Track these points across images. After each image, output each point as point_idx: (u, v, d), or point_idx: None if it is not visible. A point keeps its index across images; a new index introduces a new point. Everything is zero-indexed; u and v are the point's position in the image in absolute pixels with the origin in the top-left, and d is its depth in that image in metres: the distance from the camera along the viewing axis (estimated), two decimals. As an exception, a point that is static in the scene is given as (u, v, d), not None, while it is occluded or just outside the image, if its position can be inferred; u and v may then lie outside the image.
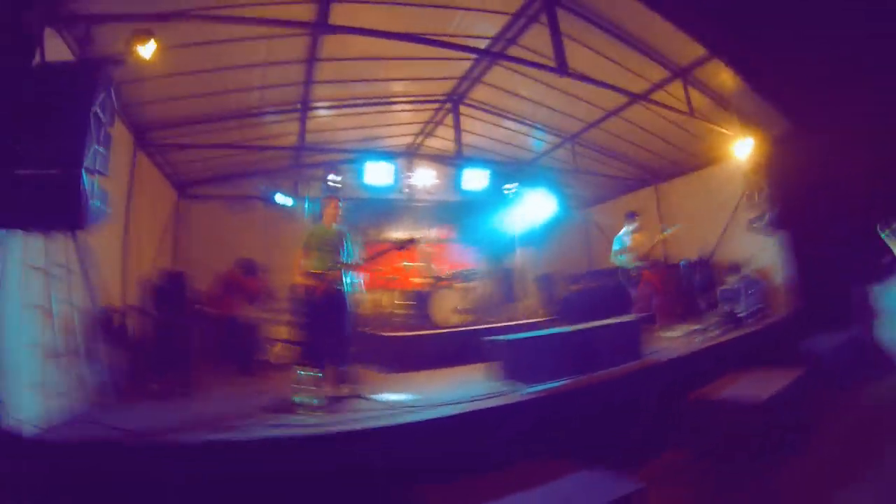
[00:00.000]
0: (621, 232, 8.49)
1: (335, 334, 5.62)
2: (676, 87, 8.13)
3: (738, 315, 8.11)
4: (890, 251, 7.83)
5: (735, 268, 9.49)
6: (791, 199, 8.75)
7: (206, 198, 9.88)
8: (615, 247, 8.39)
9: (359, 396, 5.24)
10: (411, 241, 9.09)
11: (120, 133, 5.91)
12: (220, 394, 5.98)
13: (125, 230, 6.71)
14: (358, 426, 4.00)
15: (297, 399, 4.71)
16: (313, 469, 3.58)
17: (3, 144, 3.52)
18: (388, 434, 3.91)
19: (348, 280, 5.74)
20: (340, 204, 6.07)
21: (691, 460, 4.94)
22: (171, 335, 6.22)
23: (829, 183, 8.63)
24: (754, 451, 4.62)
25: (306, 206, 9.90)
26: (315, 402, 4.70)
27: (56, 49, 4.47)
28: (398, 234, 11.04)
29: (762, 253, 9.19)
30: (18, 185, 3.56)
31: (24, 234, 4.03)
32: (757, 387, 5.15)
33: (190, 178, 9.72)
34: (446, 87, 8.73)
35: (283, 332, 8.80)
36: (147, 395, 5.59)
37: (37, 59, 4.03)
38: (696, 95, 8.19)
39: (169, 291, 6.90)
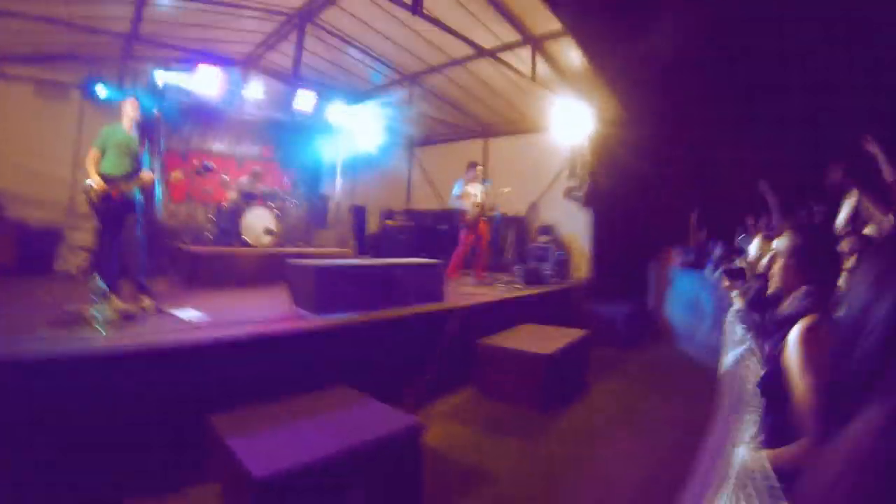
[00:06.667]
0: (463, 178, 8.50)
1: (130, 243, 5.24)
2: (525, 52, 8.42)
3: (542, 273, 8.71)
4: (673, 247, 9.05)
5: (546, 230, 10.24)
6: (605, 178, 9.55)
7: (14, 78, 8.10)
8: (455, 191, 8.41)
9: (154, 312, 4.95)
10: (209, 169, 8.63)
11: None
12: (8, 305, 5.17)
13: None
14: (148, 345, 3.64)
15: (89, 312, 4.30)
16: (97, 391, 3.27)
17: None
18: (177, 354, 3.67)
19: (151, 188, 5.31)
20: (140, 106, 5.53)
21: (476, 401, 5.42)
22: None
23: (641, 172, 9.61)
24: (538, 398, 5.17)
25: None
26: (108, 316, 4.32)
27: None
28: (220, 146, 10.40)
29: (572, 221, 10.06)
30: None
31: None
32: (546, 340, 5.73)
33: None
34: (298, 0, 8.15)
35: (84, 238, 7.93)
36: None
37: None
38: (542, 65, 8.57)
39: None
